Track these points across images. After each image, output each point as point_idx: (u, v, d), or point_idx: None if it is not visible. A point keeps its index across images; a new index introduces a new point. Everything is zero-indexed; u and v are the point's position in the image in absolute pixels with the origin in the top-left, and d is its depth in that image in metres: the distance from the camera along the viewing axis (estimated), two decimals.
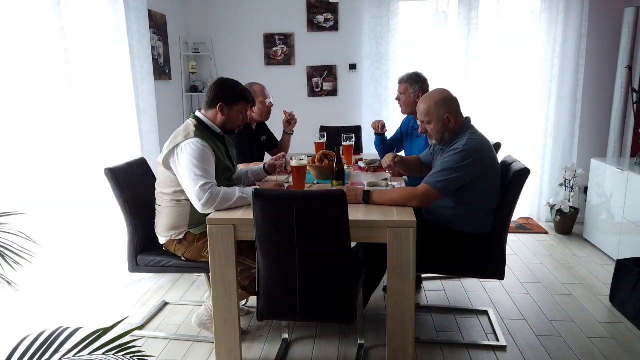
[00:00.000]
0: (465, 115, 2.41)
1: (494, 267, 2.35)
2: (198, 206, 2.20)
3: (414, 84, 3.11)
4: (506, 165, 2.46)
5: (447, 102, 2.33)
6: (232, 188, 2.26)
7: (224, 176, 2.40)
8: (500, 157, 2.68)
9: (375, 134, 3.37)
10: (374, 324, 2.67)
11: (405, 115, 3.36)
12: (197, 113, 2.43)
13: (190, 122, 2.40)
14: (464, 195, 2.28)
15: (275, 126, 3.58)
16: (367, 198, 2.23)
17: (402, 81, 3.16)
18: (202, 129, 2.36)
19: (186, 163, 2.23)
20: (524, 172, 2.29)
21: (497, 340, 2.51)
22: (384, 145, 3.41)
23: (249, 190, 2.25)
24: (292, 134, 3.47)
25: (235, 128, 2.47)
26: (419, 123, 3.21)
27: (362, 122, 4.63)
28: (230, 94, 2.39)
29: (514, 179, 2.31)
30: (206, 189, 2.17)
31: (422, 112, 2.36)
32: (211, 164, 2.29)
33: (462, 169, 2.20)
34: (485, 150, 2.29)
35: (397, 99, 3.21)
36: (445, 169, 2.22)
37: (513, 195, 2.31)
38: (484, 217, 2.35)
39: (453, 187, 2.22)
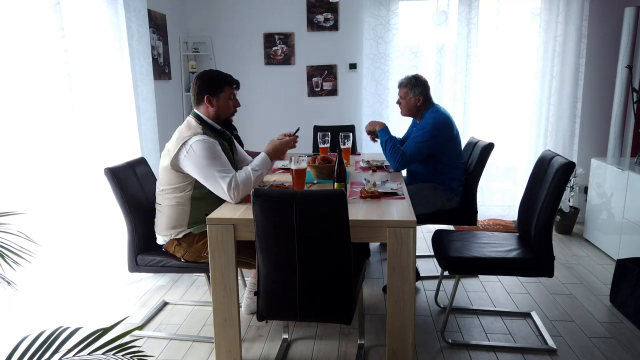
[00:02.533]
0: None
1: (544, 265, 2.35)
2: (232, 201, 2.28)
3: (414, 87, 3.12)
4: (545, 162, 2.46)
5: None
6: (245, 171, 2.31)
7: None
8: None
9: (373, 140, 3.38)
10: (374, 324, 2.67)
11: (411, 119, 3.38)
12: (196, 110, 2.43)
13: (192, 120, 2.39)
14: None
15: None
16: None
17: (402, 85, 3.17)
18: (206, 127, 2.38)
19: (202, 162, 2.24)
20: (569, 166, 2.25)
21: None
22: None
23: (257, 162, 2.38)
24: None
25: (229, 115, 2.49)
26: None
27: (361, 122, 4.63)
28: (212, 83, 2.40)
29: (557, 173, 2.27)
30: (232, 186, 2.24)
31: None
32: (224, 155, 2.33)
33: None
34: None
35: (398, 102, 3.21)
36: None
37: (557, 191, 2.27)
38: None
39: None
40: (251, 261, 2.33)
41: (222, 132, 2.47)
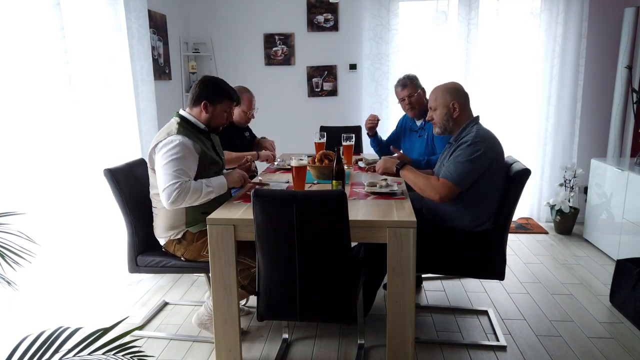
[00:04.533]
0: (475, 115, 2.44)
1: (494, 267, 2.35)
2: (165, 204, 2.23)
3: (417, 82, 3.13)
4: (507, 165, 2.46)
5: (455, 92, 2.38)
6: (199, 183, 2.27)
7: (213, 169, 2.42)
8: None
9: (368, 135, 3.38)
10: (374, 324, 2.67)
11: (402, 115, 3.36)
12: (181, 111, 2.43)
13: (173, 120, 2.40)
14: (469, 189, 2.29)
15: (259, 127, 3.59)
16: (399, 167, 2.38)
17: (405, 85, 3.12)
18: (185, 126, 2.36)
19: (162, 159, 2.24)
20: (525, 173, 2.29)
21: (497, 340, 2.51)
22: (380, 146, 3.41)
23: (214, 182, 2.32)
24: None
25: (219, 126, 2.47)
26: (417, 123, 3.21)
27: (361, 122, 4.63)
28: (214, 92, 2.39)
29: (514, 179, 2.31)
30: (173, 188, 2.19)
31: (431, 98, 2.44)
32: (189, 161, 2.28)
33: (475, 161, 2.22)
34: (492, 141, 2.31)
35: (409, 102, 3.12)
36: (459, 162, 2.24)
37: (513, 196, 2.31)
38: (485, 213, 2.35)
39: (469, 180, 2.24)
40: (251, 262, 2.32)
41: (205, 132, 2.46)
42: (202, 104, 2.37)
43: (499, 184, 2.35)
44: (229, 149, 2.99)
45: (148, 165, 2.39)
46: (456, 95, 2.37)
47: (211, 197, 2.31)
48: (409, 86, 3.12)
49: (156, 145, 2.29)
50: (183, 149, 2.25)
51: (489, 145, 2.26)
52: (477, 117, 2.41)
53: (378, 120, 3.34)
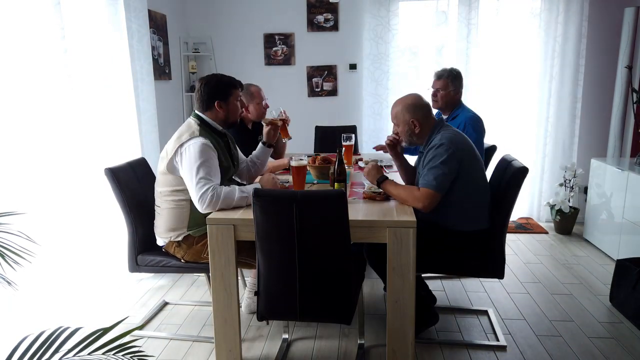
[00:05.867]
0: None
1: (494, 266, 2.35)
2: (200, 209, 2.22)
3: (455, 80, 3.04)
4: (505, 163, 2.47)
5: (412, 109, 2.37)
6: (232, 188, 2.25)
7: (225, 176, 2.41)
8: (498, 157, 2.69)
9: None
10: (374, 324, 2.67)
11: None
12: (198, 112, 2.43)
13: (192, 121, 2.40)
14: (452, 190, 2.29)
15: None
16: (381, 181, 2.35)
17: (442, 76, 3.06)
18: (205, 128, 2.37)
19: (190, 163, 2.23)
20: (522, 171, 2.28)
21: (497, 340, 2.51)
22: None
23: (249, 188, 2.27)
24: (290, 139, 3.23)
25: (237, 118, 2.49)
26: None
27: (361, 122, 4.63)
28: (220, 88, 2.40)
29: (512, 177, 2.31)
30: (208, 192, 2.18)
31: (392, 115, 2.46)
32: (215, 162, 2.31)
33: (447, 163, 2.22)
34: (459, 141, 2.31)
35: (434, 94, 3.07)
36: (433, 167, 2.24)
37: (511, 194, 2.31)
38: (476, 212, 2.35)
39: (446, 182, 2.24)
40: (252, 262, 2.33)
41: (222, 134, 2.48)
42: (216, 104, 2.38)
43: (478, 182, 2.35)
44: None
45: (162, 164, 2.35)
46: (414, 111, 2.35)
47: (246, 202, 2.25)
48: (442, 80, 3.05)
49: (180, 147, 2.28)
50: (209, 151, 2.27)
51: (456, 144, 2.26)
52: (441, 120, 2.41)
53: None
